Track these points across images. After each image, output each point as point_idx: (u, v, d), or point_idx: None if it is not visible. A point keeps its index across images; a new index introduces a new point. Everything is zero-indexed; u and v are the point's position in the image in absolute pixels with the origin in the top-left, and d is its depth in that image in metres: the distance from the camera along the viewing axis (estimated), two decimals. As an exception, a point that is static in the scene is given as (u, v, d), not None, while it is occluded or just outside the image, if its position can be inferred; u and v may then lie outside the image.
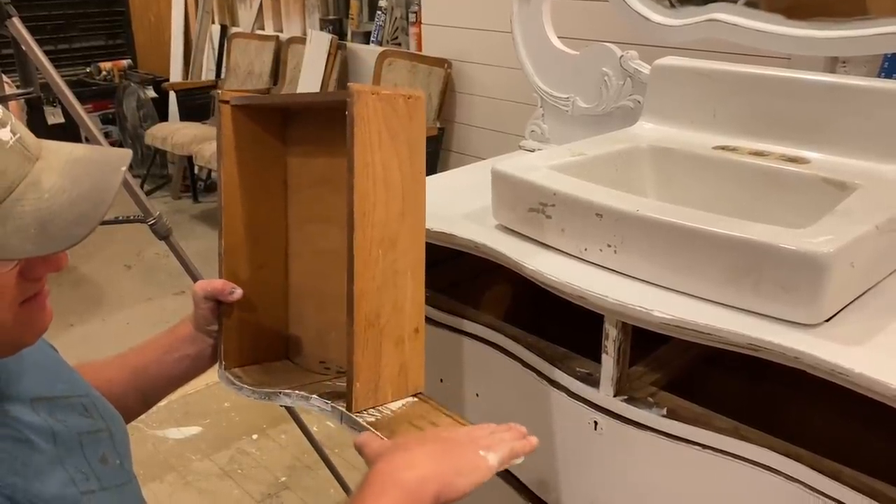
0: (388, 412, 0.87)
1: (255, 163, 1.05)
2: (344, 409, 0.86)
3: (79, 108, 1.64)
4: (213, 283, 1.01)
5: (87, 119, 1.68)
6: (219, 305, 1.02)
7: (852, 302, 0.89)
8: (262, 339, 1.06)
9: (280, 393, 0.95)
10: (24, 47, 1.61)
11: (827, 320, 0.85)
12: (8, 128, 0.65)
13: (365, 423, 0.83)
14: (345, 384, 0.89)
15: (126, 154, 0.73)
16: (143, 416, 1.05)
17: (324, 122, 1.03)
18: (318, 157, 1.05)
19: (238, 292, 1.01)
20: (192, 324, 1.02)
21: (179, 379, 1.01)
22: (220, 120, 1.02)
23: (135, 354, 1.00)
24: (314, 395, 0.91)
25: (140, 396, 0.99)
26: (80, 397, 0.82)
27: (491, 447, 0.76)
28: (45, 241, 0.65)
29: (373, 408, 0.87)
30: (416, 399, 0.91)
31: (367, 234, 0.84)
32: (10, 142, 0.64)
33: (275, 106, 1.08)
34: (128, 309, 3.17)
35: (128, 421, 0.90)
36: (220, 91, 1.05)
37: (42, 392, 0.76)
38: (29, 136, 0.68)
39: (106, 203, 0.68)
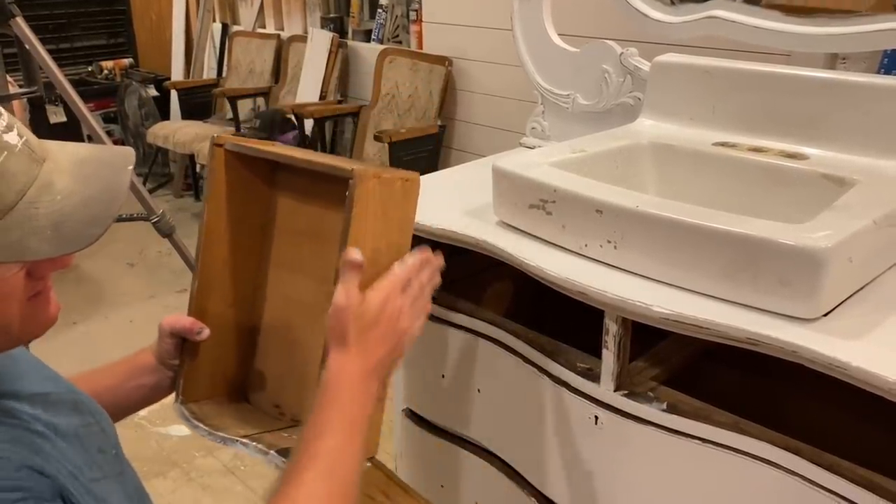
0: None
1: (240, 204, 1.07)
2: None
3: (82, 106, 1.65)
4: (181, 320, 1.01)
5: (90, 117, 1.69)
6: (183, 341, 1.02)
7: (850, 296, 0.89)
8: (221, 375, 1.07)
9: (237, 441, 0.95)
10: (27, 46, 1.62)
11: (825, 315, 0.85)
12: (14, 131, 0.66)
13: None
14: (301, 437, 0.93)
15: (130, 153, 0.74)
16: (145, 414, 1.06)
17: (315, 174, 1.04)
18: (304, 208, 1.06)
19: (206, 332, 1.01)
20: (153, 355, 1.02)
21: (134, 406, 1.01)
22: (212, 162, 1.04)
23: (93, 377, 0.99)
24: (272, 452, 0.92)
25: None
26: (69, 394, 0.83)
27: (418, 315, 0.88)
28: (60, 242, 0.66)
29: None
30: (370, 464, 0.93)
31: None
32: (18, 145, 0.66)
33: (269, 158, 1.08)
34: (130, 306, 3.18)
35: None
36: (216, 135, 1.06)
37: (35, 389, 0.77)
38: (33, 138, 0.69)
39: (117, 203, 0.70)
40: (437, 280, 0.91)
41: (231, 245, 1.07)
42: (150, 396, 1.02)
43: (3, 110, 0.67)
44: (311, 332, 1.02)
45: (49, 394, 0.79)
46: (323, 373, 0.81)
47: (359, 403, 0.80)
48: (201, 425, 0.99)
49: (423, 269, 0.89)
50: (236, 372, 1.10)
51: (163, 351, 1.02)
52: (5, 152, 0.64)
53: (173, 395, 1.04)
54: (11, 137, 0.65)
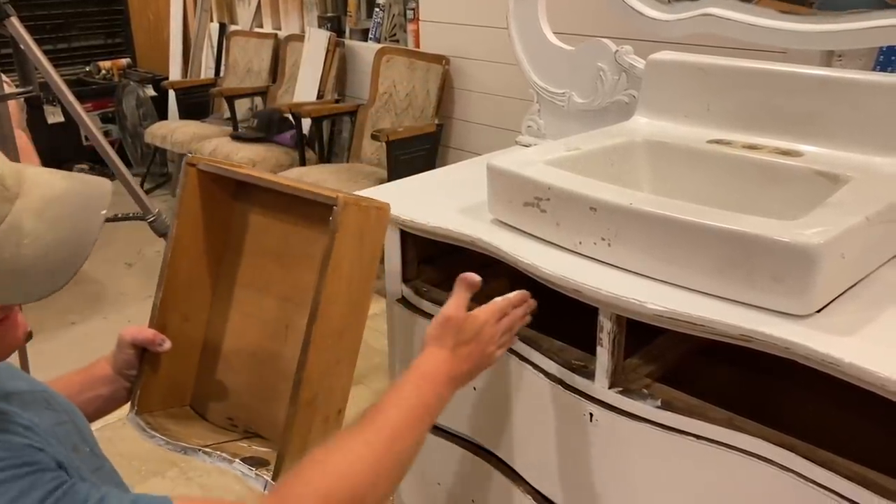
0: None
1: (209, 223, 1.10)
2: (269, 479, 0.91)
3: (77, 107, 1.65)
4: (143, 332, 1.02)
5: (86, 118, 1.69)
6: (143, 352, 1.03)
7: (844, 293, 0.89)
8: (174, 387, 1.10)
9: (199, 450, 0.97)
10: (22, 46, 1.62)
11: (818, 311, 0.86)
12: None
13: None
14: (262, 447, 0.97)
15: (107, 191, 0.72)
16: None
17: (283, 198, 1.07)
18: (271, 230, 1.10)
19: (167, 344, 1.03)
20: (110, 365, 1.03)
21: (90, 417, 0.99)
22: (185, 180, 1.07)
23: (51, 387, 0.97)
24: (237, 460, 0.95)
25: None
26: (41, 392, 0.83)
27: (502, 346, 0.96)
28: (24, 289, 0.65)
29: None
30: None
31: (324, 327, 0.92)
32: None
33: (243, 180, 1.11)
34: (129, 306, 3.18)
35: None
36: (190, 154, 1.09)
37: (10, 388, 0.77)
38: (9, 171, 0.66)
39: (85, 251, 0.68)
40: (528, 320, 1.01)
41: (196, 261, 1.10)
42: (105, 407, 1.02)
43: None
44: (270, 347, 1.06)
45: (24, 392, 0.79)
46: (415, 360, 0.88)
47: (435, 398, 0.86)
48: (158, 435, 1.01)
49: (519, 305, 0.98)
50: (191, 385, 1.12)
51: (121, 361, 1.02)
52: None
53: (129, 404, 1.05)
54: None
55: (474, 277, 0.93)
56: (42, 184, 0.69)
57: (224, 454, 0.96)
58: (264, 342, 1.07)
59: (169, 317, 1.07)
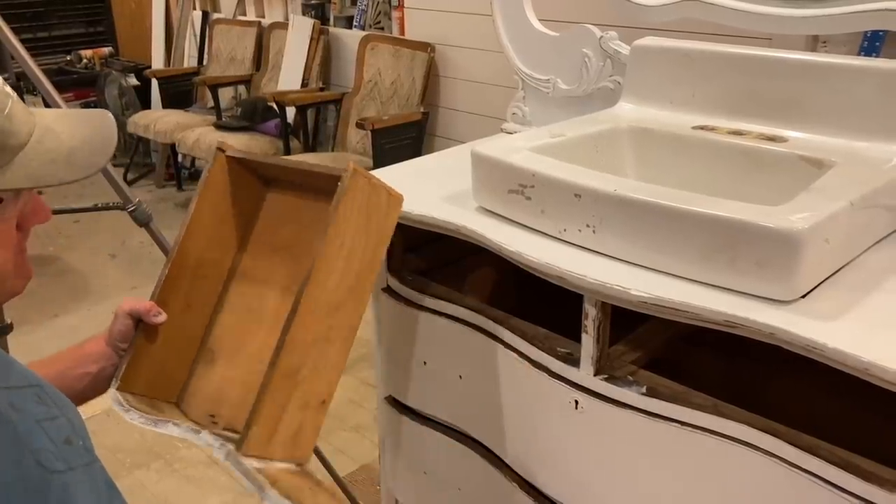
0: (273, 468, 0.89)
1: (227, 211, 1.10)
2: (232, 448, 0.88)
3: (57, 97, 1.62)
4: (141, 301, 1.03)
5: (66, 107, 1.66)
6: (137, 325, 1.03)
7: (828, 278, 0.89)
8: (162, 375, 1.07)
9: (169, 422, 0.96)
10: (-2, 34, 1.59)
11: (803, 296, 0.85)
12: (9, 86, 0.76)
13: (250, 466, 0.86)
14: (235, 437, 0.93)
15: (104, 110, 0.86)
16: (128, 404, 1.05)
17: (302, 191, 1.08)
18: (285, 226, 1.10)
19: (163, 316, 1.03)
20: (104, 340, 1.03)
21: (80, 395, 1.00)
22: (213, 164, 1.07)
23: (40, 367, 0.97)
24: (204, 431, 0.93)
25: None
26: (33, 387, 0.82)
27: None
28: (72, 169, 0.77)
29: (259, 458, 0.88)
30: (299, 468, 0.93)
31: (316, 293, 0.90)
32: (14, 96, 0.75)
33: (264, 165, 1.12)
34: (113, 298, 3.16)
35: None
36: (220, 141, 1.11)
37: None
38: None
39: (113, 139, 0.82)
40: None
41: (208, 248, 1.09)
42: (94, 385, 1.02)
43: None
44: (266, 340, 1.03)
45: (12, 387, 0.78)
46: None
47: None
48: (133, 409, 0.99)
49: None
50: (175, 377, 1.10)
51: (116, 332, 1.02)
52: (11, 99, 0.74)
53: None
54: (9, 90, 0.75)
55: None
56: (45, 109, 0.82)
57: (192, 426, 0.94)
58: (261, 334, 1.05)
59: (169, 299, 1.05)
